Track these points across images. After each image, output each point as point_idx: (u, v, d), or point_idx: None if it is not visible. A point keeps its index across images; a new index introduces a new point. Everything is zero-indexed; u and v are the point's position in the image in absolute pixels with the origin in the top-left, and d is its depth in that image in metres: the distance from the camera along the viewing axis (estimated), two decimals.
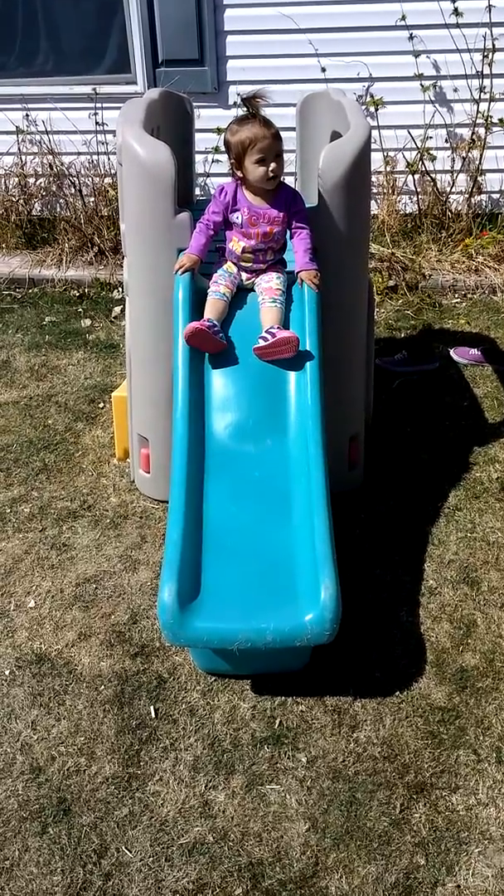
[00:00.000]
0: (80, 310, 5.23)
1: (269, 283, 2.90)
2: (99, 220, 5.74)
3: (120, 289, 5.31)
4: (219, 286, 2.89)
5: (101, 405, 4.07)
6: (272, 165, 2.77)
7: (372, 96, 5.57)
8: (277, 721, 2.45)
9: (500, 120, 5.51)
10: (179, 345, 2.79)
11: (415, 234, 5.71)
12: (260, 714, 2.47)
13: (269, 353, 2.77)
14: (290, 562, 2.46)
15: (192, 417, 2.71)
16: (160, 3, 5.37)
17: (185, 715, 2.47)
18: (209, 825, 2.18)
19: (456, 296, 5.30)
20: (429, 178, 5.65)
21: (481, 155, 5.59)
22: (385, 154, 5.63)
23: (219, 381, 2.81)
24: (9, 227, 5.99)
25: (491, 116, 5.49)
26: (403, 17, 5.32)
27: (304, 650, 2.51)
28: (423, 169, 5.64)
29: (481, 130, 5.54)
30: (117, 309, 5.13)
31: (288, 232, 2.92)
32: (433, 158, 5.65)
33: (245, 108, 2.81)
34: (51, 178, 5.92)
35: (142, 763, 2.34)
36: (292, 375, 2.79)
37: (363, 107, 5.52)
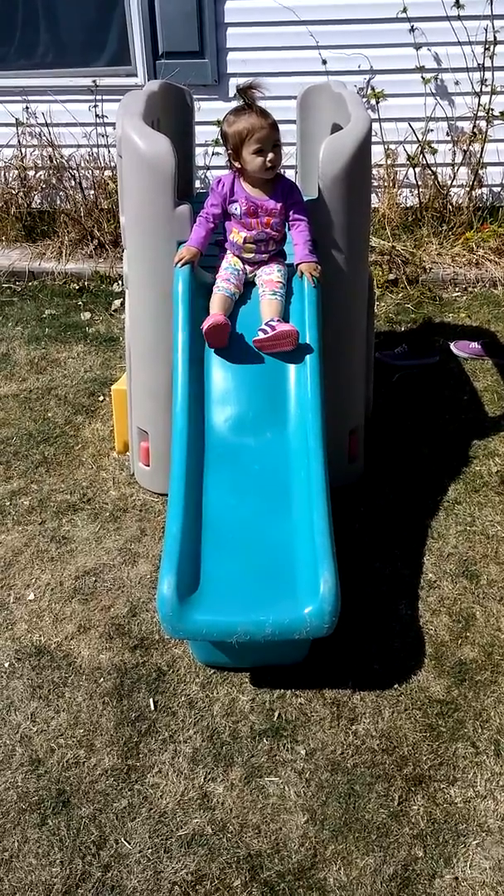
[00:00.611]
0: (80, 303, 5.22)
1: (269, 276, 2.90)
2: (99, 212, 5.73)
3: (120, 282, 5.31)
4: (229, 284, 2.88)
5: (101, 398, 4.07)
6: (270, 155, 2.76)
7: (373, 89, 5.56)
8: (276, 713, 2.45)
9: (502, 113, 5.50)
10: (179, 337, 2.78)
11: (415, 228, 5.71)
12: (259, 706, 2.48)
13: (268, 345, 2.77)
14: (290, 555, 2.46)
15: (192, 410, 2.71)
16: None
17: (185, 707, 2.48)
18: (208, 817, 2.19)
19: (456, 289, 5.29)
20: (429, 172, 5.64)
21: (482, 148, 5.58)
22: (386, 147, 5.62)
23: (219, 374, 2.80)
24: (8, 220, 5.98)
25: (492, 109, 5.48)
26: (405, 10, 5.31)
27: (303, 643, 2.51)
28: (424, 162, 5.63)
29: (482, 123, 5.53)
30: (117, 302, 5.12)
31: (286, 224, 2.91)
32: (434, 151, 5.64)
33: (241, 99, 2.80)
34: (51, 171, 5.91)
35: (141, 755, 2.35)
36: (292, 368, 2.79)
37: (364, 99, 5.50)
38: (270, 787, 2.26)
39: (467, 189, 5.66)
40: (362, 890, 2.02)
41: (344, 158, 2.84)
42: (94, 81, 5.69)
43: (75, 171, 5.82)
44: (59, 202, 5.98)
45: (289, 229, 2.93)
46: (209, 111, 5.40)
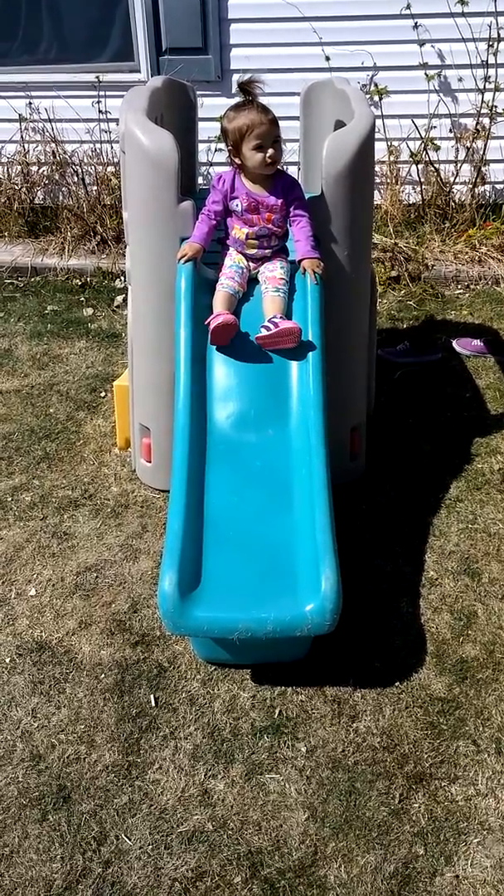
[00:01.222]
0: (83, 299, 5.22)
1: (272, 273, 2.89)
2: (101, 208, 5.72)
3: (122, 278, 5.31)
4: (234, 282, 2.88)
5: (103, 394, 4.07)
6: (270, 151, 2.76)
7: (376, 85, 5.55)
8: (277, 710, 2.45)
9: None
10: (182, 334, 2.78)
11: (418, 225, 5.70)
12: (260, 703, 2.48)
13: (271, 342, 2.76)
14: (291, 552, 2.46)
15: (194, 407, 2.71)
16: None
17: (185, 704, 2.48)
18: (208, 814, 2.19)
19: (459, 286, 5.28)
20: (432, 168, 5.63)
21: (485, 145, 5.57)
22: (389, 143, 5.61)
23: (221, 371, 2.80)
24: (11, 216, 5.98)
25: (496, 106, 5.47)
26: (408, 6, 5.30)
27: (304, 640, 2.51)
28: (427, 159, 5.62)
29: (486, 120, 5.52)
30: (119, 298, 5.12)
31: (287, 220, 2.91)
32: (437, 148, 5.62)
33: (242, 95, 2.80)
34: (53, 167, 5.90)
35: (141, 751, 2.35)
36: (294, 365, 2.79)
37: (367, 96, 5.49)
38: (271, 784, 2.26)
39: (470, 186, 5.65)
40: (363, 888, 2.02)
41: (347, 156, 2.84)
42: (97, 77, 5.68)
43: (78, 167, 5.81)
44: (61, 198, 5.97)
45: (290, 225, 2.92)
46: (212, 107, 5.37)
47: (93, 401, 4.03)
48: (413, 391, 4.06)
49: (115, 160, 5.73)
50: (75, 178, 5.82)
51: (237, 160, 2.83)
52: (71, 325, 4.85)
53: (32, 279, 5.52)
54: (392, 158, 5.65)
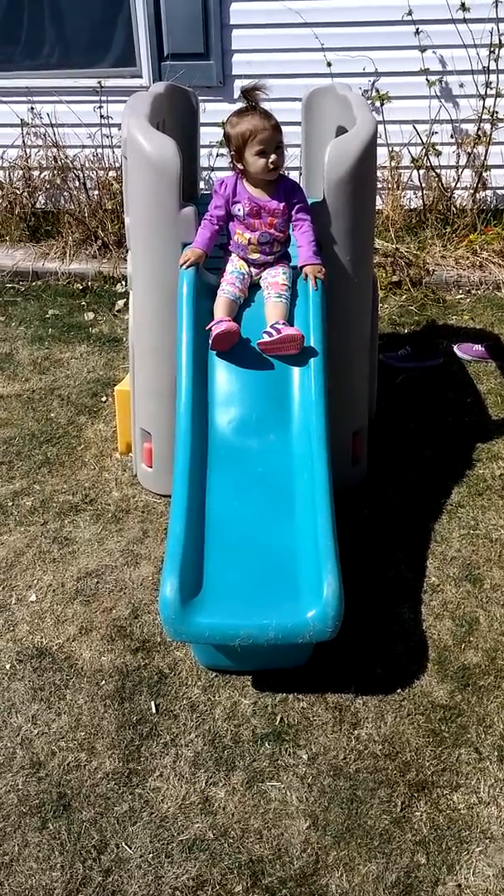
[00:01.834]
0: (84, 303, 5.21)
1: (275, 278, 2.89)
2: (103, 213, 5.72)
3: (123, 282, 5.31)
4: (235, 287, 2.87)
5: (104, 399, 4.06)
6: (272, 157, 2.76)
7: (377, 91, 5.55)
8: (278, 717, 2.44)
9: None
10: (183, 339, 2.77)
11: (419, 230, 5.70)
12: (261, 710, 2.46)
13: (273, 348, 2.76)
14: (293, 557, 2.45)
15: (196, 412, 2.70)
16: None
17: (186, 711, 2.47)
18: (209, 822, 2.18)
19: (460, 292, 5.28)
20: (434, 174, 5.63)
21: (486, 151, 5.57)
22: (390, 149, 5.61)
23: (222, 376, 2.80)
24: (13, 220, 5.98)
25: (497, 112, 5.47)
26: (410, 12, 5.30)
27: (306, 646, 2.50)
28: (429, 164, 5.62)
29: (487, 126, 5.52)
30: (121, 302, 5.12)
31: (289, 225, 2.90)
32: (438, 154, 5.63)
33: (245, 100, 2.80)
34: (55, 171, 5.90)
35: (142, 759, 2.34)
36: (296, 370, 2.78)
37: (369, 101, 5.50)
38: (272, 792, 2.25)
39: (471, 191, 5.65)
40: None
41: (349, 162, 2.84)
42: (99, 82, 5.68)
43: (80, 172, 5.81)
44: (63, 202, 5.97)
45: (292, 230, 2.92)
46: (214, 113, 5.37)
47: (94, 405, 4.02)
48: (414, 396, 4.05)
49: (117, 165, 5.73)
50: (77, 183, 5.83)
51: (239, 165, 2.83)
52: (72, 329, 4.85)
53: (34, 283, 5.52)
54: (393, 164, 5.65)
